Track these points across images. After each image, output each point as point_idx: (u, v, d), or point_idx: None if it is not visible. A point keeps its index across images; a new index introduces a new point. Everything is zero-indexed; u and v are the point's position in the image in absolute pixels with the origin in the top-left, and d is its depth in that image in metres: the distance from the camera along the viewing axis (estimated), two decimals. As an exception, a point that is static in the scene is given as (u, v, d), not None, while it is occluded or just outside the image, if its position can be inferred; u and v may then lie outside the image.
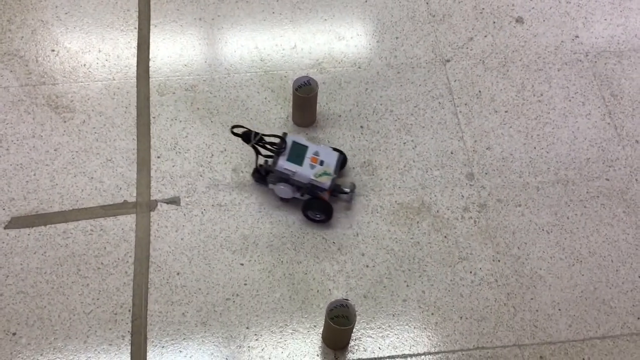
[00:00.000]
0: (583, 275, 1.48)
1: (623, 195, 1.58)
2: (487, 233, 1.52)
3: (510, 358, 1.38)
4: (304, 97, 1.57)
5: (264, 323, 1.40)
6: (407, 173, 1.59)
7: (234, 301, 1.42)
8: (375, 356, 1.37)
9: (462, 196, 1.57)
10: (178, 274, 1.45)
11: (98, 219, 1.50)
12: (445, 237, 1.51)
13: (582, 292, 1.46)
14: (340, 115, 1.67)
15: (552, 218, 1.54)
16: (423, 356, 1.37)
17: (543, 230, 1.53)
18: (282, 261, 1.47)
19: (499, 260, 1.49)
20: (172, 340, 1.37)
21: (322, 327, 1.38)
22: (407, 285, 1.45)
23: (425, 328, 1.40)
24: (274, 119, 1.65)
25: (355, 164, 1.59)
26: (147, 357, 1.35)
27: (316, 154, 1.46)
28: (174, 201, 1.53)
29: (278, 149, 1.45)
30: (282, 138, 1.46)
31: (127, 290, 1.42)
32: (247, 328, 1.39)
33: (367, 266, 1.47)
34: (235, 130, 1.45)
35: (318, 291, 1.44)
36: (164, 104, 1.66)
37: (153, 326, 1.39)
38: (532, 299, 1.44)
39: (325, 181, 1.45)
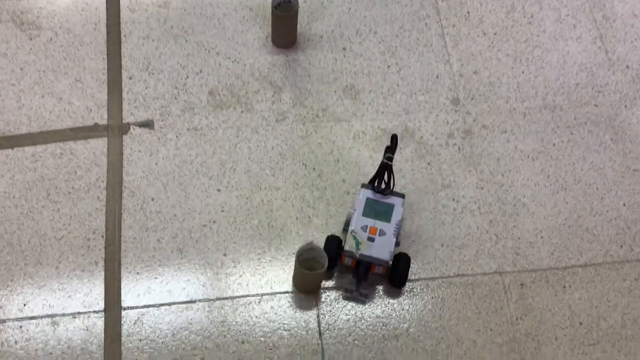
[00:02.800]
0: (567, 203, 1.45)
1: (611, 122, 1.54)
2: (471, 160, 1.48)
3: (490, 285, 1.37)
4: (284, 15, 1.49)
5: (242, 250, 1.37)
6: (390, 98, 1.53)
7: (210, 228, 1.38)
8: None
9: (447, 122, 1.52)
10: (152, 199, 1.40)
11: (68, 142, 1.44)
12: (428, 163, 1.47)
13: (566, 219, 1.44)
14: (322, 37, 1.59)
15: (537, 145, 1.50)
16: (403, 283, 1.35)
17: (528, 157, 1.49)
18: (260, 187, 1.43)
19: (482, 188, 1.45)
20: (147, 266, 1.34)
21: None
22: (389, 212, 1.42)
23: (405, 255, 1.38)
24: (252, 40, 1.57)
25: (338, 88, 1.53)
26: (122, 284, 1.32)
27: (382, 232, 1.28)
28: (147, 124, 1.47)
29: (379, 188, 1.32)
30: (394, 192, 1.32)
31: (99, 216, 1.37)
32: (225, 255, 1.36)
33: (348, 193, 1.43)
34: (394, 139, 1.30)
35: (297, 218, 1.40)
36: (135, 21, 1.57)
37: (127, 252, 1.35)
38: (514, 226, 1.42)
39: (348, 246, 1.28)
